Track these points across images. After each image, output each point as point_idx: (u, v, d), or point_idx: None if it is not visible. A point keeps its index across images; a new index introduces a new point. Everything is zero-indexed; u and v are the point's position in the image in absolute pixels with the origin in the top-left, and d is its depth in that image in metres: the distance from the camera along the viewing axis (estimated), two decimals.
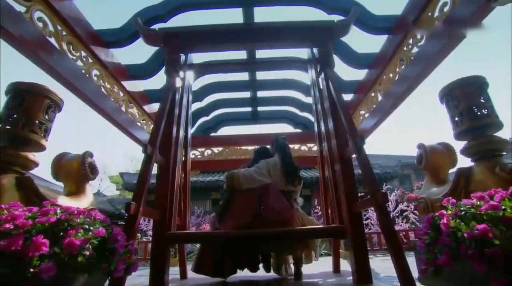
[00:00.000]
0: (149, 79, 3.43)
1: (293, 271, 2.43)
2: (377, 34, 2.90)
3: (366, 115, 3.76)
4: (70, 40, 2.41)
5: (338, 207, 2.26)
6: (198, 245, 3.42)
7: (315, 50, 2.91)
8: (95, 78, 2.75)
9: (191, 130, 3.55)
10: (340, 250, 2.99)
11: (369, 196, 1.82)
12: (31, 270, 0.87)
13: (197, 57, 3.50)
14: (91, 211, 1.25)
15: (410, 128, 45.04)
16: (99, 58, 2.75)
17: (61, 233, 1.02)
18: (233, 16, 3.04)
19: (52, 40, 2.21)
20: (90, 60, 2.69)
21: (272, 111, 5.03)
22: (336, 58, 3.00)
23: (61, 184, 1.90)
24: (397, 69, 2.87)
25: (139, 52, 3.82)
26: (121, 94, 3.28)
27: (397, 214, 7.63)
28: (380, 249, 6.24)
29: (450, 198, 1.24)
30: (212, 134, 5.09)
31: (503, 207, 0.97)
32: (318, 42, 2.78)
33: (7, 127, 1.63)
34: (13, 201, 1.16)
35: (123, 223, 1.74)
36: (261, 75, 4.06)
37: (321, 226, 2.75)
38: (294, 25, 2.80)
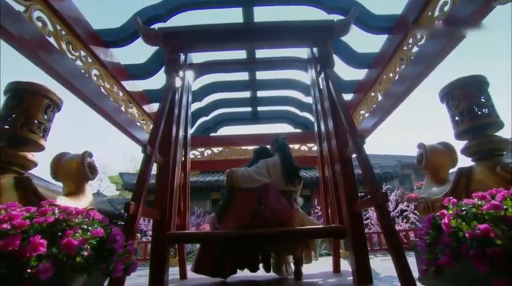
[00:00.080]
0: (149, 79, 3.43)
1: (293, 271, 2.42)
2: (377, 33, 2.89)
3: (366, 115, 3.75)
4: (69, 39, 2.40)
5: (338, 207, 2.26)
6: (198, 245, 3.41)
7: (315, 49, 2.90)
8: (94, 78, 2.74)
9: (190, 130, 3.54)
10: (340, 250, 2.98)
11: (369, 196, 1.81)
12: (29, 270, 0.86)
13: (197, 57, 3.50)
14: (90, 211, 1.24)
15: (410, 128, 45.08)
16: (98, 58, 2.75)
17: (59, 233, 1.02)
18: (233, 15, 3.04)
19: (52, 39, 2.20)
20: (90, 60, 2.68)
21: (272, 111, 5.03)
22: (336, 58, 3.00)
23: (60, 184, 1.89)
24: (397, 69, 2.86)
25: (138, 52, 3.82)
26: (121, 94, 3.27)
27: (397, 214, 7.63)
28: (380, 249, 6.23)
29: (451, 197, 1.23)
30: (212, 134, 5.09)
31: (504, 207, 0.96)
32: (318, 41, 2.77)
33: (6, 127, 1.63)
34: (11, 201, 1.15)
35: (123, 223, 1.73)
36: (261, 75, 4.06)
37: (321, 226, 2.74)
38: (294, 24, 2.80)
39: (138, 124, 3.68)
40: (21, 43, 1.89)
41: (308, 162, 4.87)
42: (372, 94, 3.52)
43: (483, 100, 1.74)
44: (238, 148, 4.99)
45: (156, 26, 2.78)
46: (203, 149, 4.90)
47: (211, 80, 4.23)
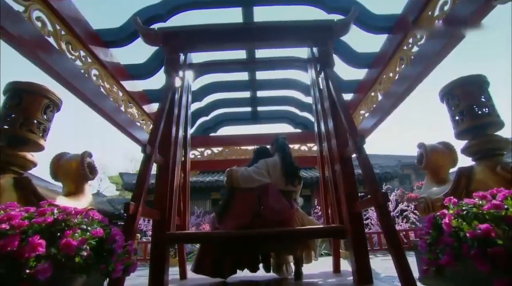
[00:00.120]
0: (149, 79, 3.43)
1: (293, 271, 2.42)
2: (377, 33, 2.89)
3: (366, 115, 3.75)
4: (69, 39, 2.40)
5: (338, 207, 2.25)
6: (197, 245, 3.41)
7: (315, 49, 2.90)
8: (94, 78, 2.74)
9: (190, 130, 3.54)
10: (340, 250, 2.98)
11: (369, 196, 1.80)
12: (27, 271, 0.86)
13: (197, 57, 3.49)
14: (89, 211, 1.24)
15: (410, 128, 45.10)
16: (98, 58, 2.74)
17: (58, 234, 1.01)
18: (233, 15, 3.04)
19: (51, 39, 2.20)
20: (89, 60, 2.68)
21: (272, 111, 5.02)
22: (336, 58, 2.99)
23: (60, 184, 1.89)
24: (397, 69, 2.86)
25: (138, 52, 3.82)
26: (121, 94, 3.27)
27: (397, 214, 7.62)
28: (380, 249, 6.23)
29: (452, 197, 1.23)
30: (212, 134, 5.08)
31: (505, 206, 0.96)
32: (318, 41, 2.77)
33: (5, 127, 1.62)
34: (11, 201, 1.15)
35: (123, 223, 1.73)
36: (260, 75, 4.06)
37: (321, 226, 2.73)
38: (294, 24, 2.79)
39: (138, 124, 3.68)
40: (21, 43, 1.89)
41: (308, 162, 4.86)
42: (372, 94, 3.51)
43: (483, 99, 1.74)
44: (238, 148, 4.99)
45: (156, 26, 2.78)
46: (203, 149, 4.90)
47: (211, 80, 4.23)
